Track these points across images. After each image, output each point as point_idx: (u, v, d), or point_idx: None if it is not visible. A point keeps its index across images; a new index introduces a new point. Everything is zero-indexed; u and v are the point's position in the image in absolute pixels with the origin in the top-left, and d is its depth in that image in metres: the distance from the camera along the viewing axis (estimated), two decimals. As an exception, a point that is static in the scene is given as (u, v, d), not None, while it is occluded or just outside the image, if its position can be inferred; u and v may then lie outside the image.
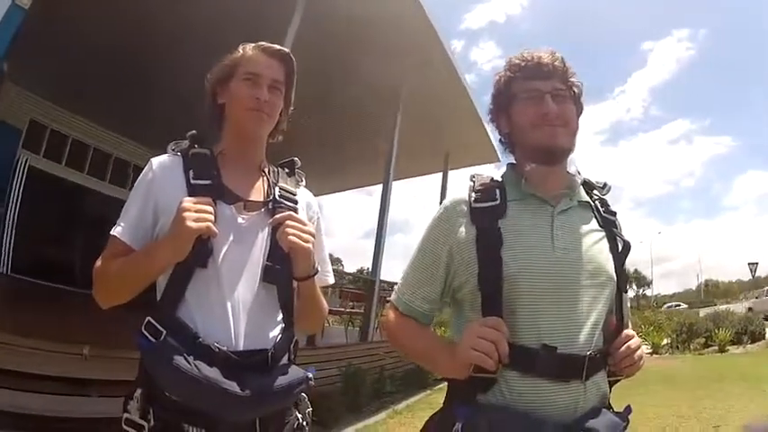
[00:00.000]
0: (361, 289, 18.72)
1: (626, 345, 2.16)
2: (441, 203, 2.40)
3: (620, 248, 2.32)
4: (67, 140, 16.96)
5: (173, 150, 2.49)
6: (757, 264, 50.16)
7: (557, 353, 2.00)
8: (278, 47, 2.63)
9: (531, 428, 1.94)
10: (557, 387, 2.02)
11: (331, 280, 2.82)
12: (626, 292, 2.34)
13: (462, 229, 2.24)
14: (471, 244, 2.18)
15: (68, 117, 16.63)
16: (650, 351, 24.82)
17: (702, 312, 32.75)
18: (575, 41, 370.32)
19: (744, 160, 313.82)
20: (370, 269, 18.26)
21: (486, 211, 2.22)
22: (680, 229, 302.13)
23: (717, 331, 23.36)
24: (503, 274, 2.08)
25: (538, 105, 2.24)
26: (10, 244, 14.85)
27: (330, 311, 16.16)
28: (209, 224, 2.17)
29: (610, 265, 2.24)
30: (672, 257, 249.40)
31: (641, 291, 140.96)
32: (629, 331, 2.22)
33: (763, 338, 23.45)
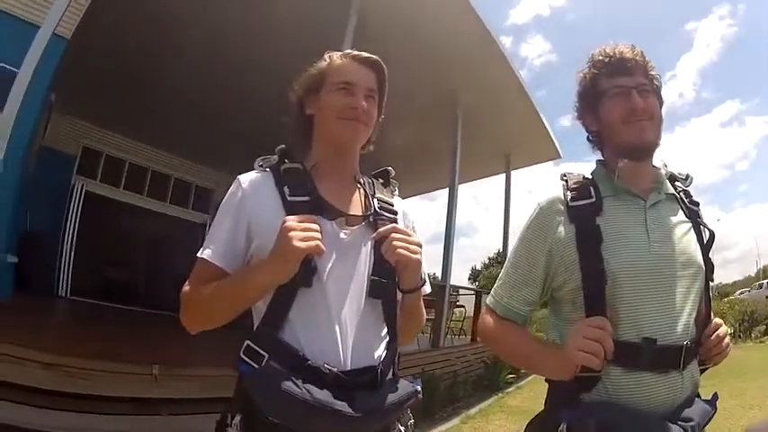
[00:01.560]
0: (432, 295, 18.72)
1: (716, 333, 2.22)
2: (537, 204, 2.42)
3: (705, 238, 2.37)
4: (123, 164, 17.56)
5: (260, 166, 2.43)
6: (820, 244, 49.09)
7: (657, 345, 2.06)
8: (368, 54, 2.55)
9: (637, 422, 1.99)
10: (657, 378, 2.07)
11: (428, 289, 2.59)
12: (712, 281, 2.36)
13: (561, 228, 2.27)
14: (571, 243, 2.22)
15: (121, 140, 17.07)
16: None
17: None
18: (620, 28, 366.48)
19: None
20: (436, 275, 18.14)
21: (584, 209, 2.26)
22: (738, 215, 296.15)
23: (778, 318, 22.47)
24: (605, 271, 2.13)
25: (626, 101, 2.28)
26: (69, 267, 15.38)
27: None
28: (318, 242, 2.09)
29: (699, 256, 2.29)
30: (730, 245, 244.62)
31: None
32: (717, 320, 2.28)
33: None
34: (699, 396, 2.25)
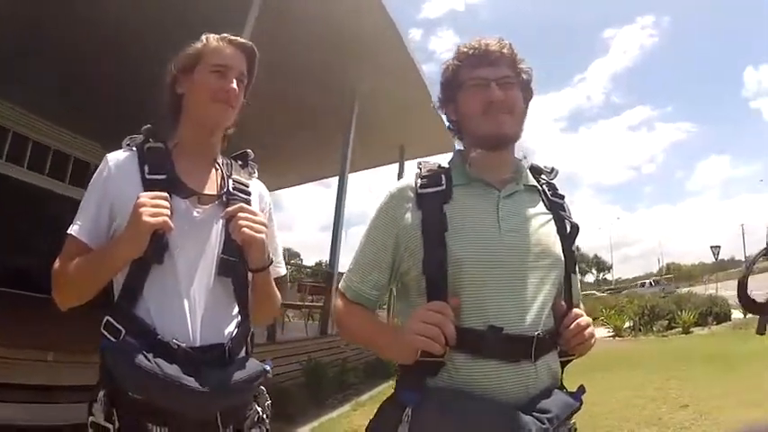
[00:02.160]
0: (320, 282, 18.66)
1: (575, 322, 2.17)
2: (388, 191, 2.40)
3: (568, 231, 2.37)
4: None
5: (127, 145, 2.47)
6: (720, 247, 50.74)
7: (503, 333, 2.01)
8: (243, 39, 2.62)
9: (481, 409, 1.94)
10: (506, 368, 2.03)
11: (283, 271, 2.81)
12: (575, 273, 2.37)
13: (408, 215, 2.24)
14: (417, 229, 2.19)
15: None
16: (612, 334, 25.49)
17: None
18: (536, 29, 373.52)
19: (707, 146, 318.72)
20: (324, 262, 18.24)
21: (432, 197, 2.23)
22: (642, 215, 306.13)
23: (680, 313, 23.84)
24: (447, 258, 2.10)
25: (483, 93, 2.26)
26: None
27: (289, 306, 16.13)
28: (166, 219, 2.15)
29: (557, 248, 2.27)
30: (633, 242, 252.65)
31: (601, 275, 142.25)
32: (577, 310, 2.24)
33: (729, 320, 23.93)
34: (563, 388, 2.23)
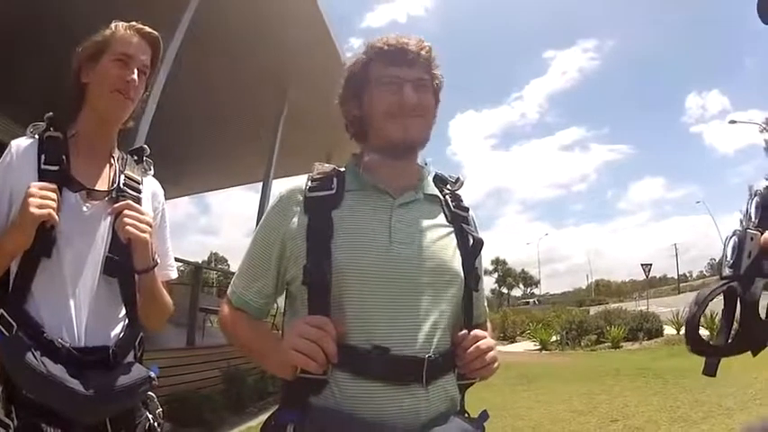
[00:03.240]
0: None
1: (475, 345, 2.01)
2: (278, 194, 2.28)
3: (471, 245, 2.22)
4: None
5: (30, 132, 2.42)
6: (651, 265, 52.39)
7: (390, 354, 1.89)
8: (149, 29, 2.55)
9: None
10: (394, 391, 1.89)
11: (174, 275, 2.75)
12: (477, 290, 2.23)
13: (295, 219, 2.12)
14: (302, 235, 2.07)
15: None
16: (539, 347, 25.99)
17: (593, 310, 34.09)
18: (476, 45, 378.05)
19: (641, 168, 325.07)
20: None
21: (320, 201, 2.12)
22: (570, 232, 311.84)
23: (609, 328, 24.22)
24: (331, 266, 1.97)
25: (396, 94, 2.12)
26: None
27: (211, 311, 15.96)
28: (51, 211, 2.11)
29: (456, 263, 2.13)
30: (561, 258, 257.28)
31: (529, 290, 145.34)
32: (478, 331, 2.07)
33: (661, 335, 24.27)
34: (464, 413, 2.12)
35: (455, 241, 2.17)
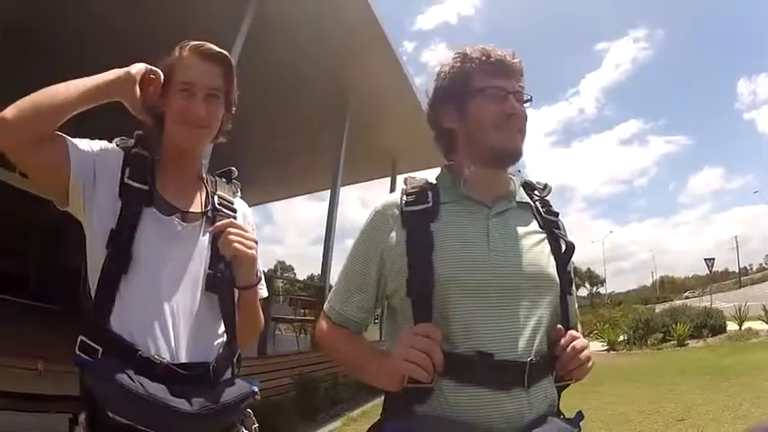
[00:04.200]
0: (312, 296, 18.63)
1: (571, 345, 2.06)
2: (374, 208, 2.30)
3: (562, 250, 2.25)
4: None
5: (117, 145, 2.39)
6: (714, 260, 50.98)
7: (494, 360, 1.92)
8: (214, 48, 2.46)
9: None
10: (498, 395, 1.92)
11: (265, 293, 2.66)
12: (570, 294, 2.25)
13: (393, 233, 2.15)
14: (402, 249, 2.09)
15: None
16: (606, 348, 25.52)
17: (658, 308, 33.11)
18: (528, 43, 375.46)
19: (700, 158, 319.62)
20: (315, 275, 18.20)
21: (418, 215, 2.13)
22: (634, 228, 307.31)
23: (675, 326, 23.75)
24: (433, 278, 1.99)
25: (502, 104, 2.15)
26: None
27: (281, 320, 16.17)
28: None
29: (551, 268, 2.17)
30: (626, 256, 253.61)
31: (594, 289, 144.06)
32: (573, 332, 2.12)
33: (724, 332, 23.78)
34: (560, 414, 2.12)
35: (548, 247, 2.21)
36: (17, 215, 15.71)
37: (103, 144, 2.33)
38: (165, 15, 10.66)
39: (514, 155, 2.19)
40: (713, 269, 53.59)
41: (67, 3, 10.77)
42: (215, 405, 2.10)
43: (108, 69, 2.18)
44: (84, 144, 2.25)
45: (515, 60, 2.22)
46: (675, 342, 23.14)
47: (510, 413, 1.92)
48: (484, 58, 2.19)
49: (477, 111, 2.18)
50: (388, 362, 1.97)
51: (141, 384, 1.94)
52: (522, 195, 2.32)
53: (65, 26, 11.26)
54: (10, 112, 2.03)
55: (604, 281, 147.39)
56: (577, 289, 2.26)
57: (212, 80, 2.43)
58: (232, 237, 2.28)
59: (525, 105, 2.23)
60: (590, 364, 2.10)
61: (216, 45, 2.47)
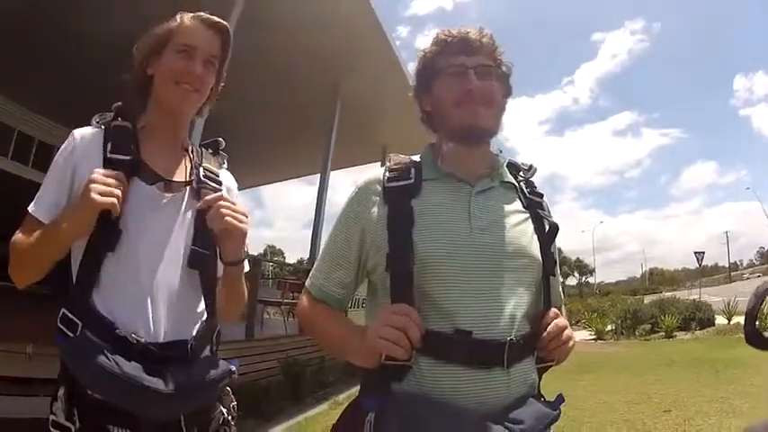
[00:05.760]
0: (301, 279, 18.64)
1: (553, 323, 2.06)
2: (356, 185, 2.33)
3: (546, 230, 2.26)
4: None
5: (96, 123, 2.36)
6: (703, 253, 51.15)
7: (472, 338, 1.93)
8: (216, 18, 2.49)
9: (447, 418, 1.85)
10: (476, 374, 1.93)
11: (247, 267, 2.62)
12: (554, 275, 2.27)
13: (375, 209, 2.17)
14: (383, 224, 2.12)
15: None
16: (594, 337, 25.61)
17: (647, 299, 33.58)
18: (525, 31, 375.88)
19: (693, 152, 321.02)
20: (304, 259, 18.23)
21: (399, 190, 2.16)
22: (625, 220, 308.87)
23: (663, 318, 23.95)
24: (413, 255, 2.01)
25: (461, 81, 2.18)
26: None
27: (269, 303, 16.13)
28: (115, 201, 2.06)
29: (534, 247, 2.18)
30: (616, 246, 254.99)
31: (583, 278, 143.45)
32: (554, 311, 2.14)
33: (713, 325, 24.04)
34: (540, 397, 2.14)
35: (532, 226, 2.22)
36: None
37: (77, 139, 2.31)
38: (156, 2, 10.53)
39: (478, 130, 2.20)
40: (703, 263, 53.84)
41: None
42: (191, 384, 2.12)
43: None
44: (64, 180, 2.25)
45: (481, 36, 2.23)
46: (663, 333, 23.26)
47: (488, 393, 1.92)
48: (447, 38, 2.24)
49: (439, 90, 2.24)
50: (365, 339, 1.96)
51: (117, 364, 1.95)
52: (506, 175, 2.33)
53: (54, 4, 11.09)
54: (11, 274, 2.20)
55: (593, 271, 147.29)
56: (566, 278, 2.28)
57: (211, 47, 2.46)
58: (223, 210, 2.26)
59: (493, 80, 2.22)
60: (571, 344, 2.10)
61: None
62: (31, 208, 2.22)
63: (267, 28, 12.12)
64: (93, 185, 2.02)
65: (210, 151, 2.67)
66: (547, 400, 2.09)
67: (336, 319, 2.30)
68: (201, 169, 2.48)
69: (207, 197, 2.34)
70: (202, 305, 2.38)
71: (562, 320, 2.10)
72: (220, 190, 2.48)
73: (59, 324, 2.12)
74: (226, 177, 2.64)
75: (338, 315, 2.32)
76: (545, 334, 2.03)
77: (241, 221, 2.30)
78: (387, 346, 1.85)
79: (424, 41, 2.36)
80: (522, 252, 2.12)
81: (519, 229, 2.18)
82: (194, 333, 2.30)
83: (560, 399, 2.06)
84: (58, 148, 2.30)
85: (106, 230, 2.12)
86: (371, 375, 2.01)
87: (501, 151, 2.37)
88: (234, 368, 2.33)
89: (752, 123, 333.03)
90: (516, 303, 2.04)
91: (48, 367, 6.31)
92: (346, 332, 2.21)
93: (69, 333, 2.09)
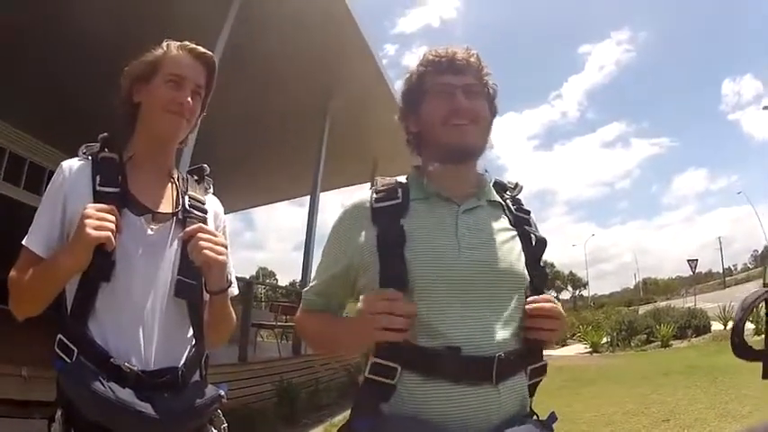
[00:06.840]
0: (294, 302, 18.63)
1: (545, 299, 2.10)
2: (343, 208, 2.34)
3: (534, 246, 2.28)
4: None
5: (83, 153, 2.40)
6: (697, 260, 51.57)
7: (461, 354, 1.92)
8: (203, 49, 2.54)
9: None
10: (465, 391, 1.92)
11: (236, 291, 2.68)
12: (543, 291, 2.22)
13: (363, 231, 2.17)
14: (372, 244, 2.11)
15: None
16: (590, 350, 25.48)
17: (642, 310, 33.45)
18: (511, 46, 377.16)
19: (684, 160, 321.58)
20: (296, 281, 18.26)
21: (388, 210, 2.16)
22: (616, 231, 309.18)
23: (658, 327, 23.82)
24: (405, 273, 2.00)
25: (449, 100, 2.19)
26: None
27: (262, 326, 16.09)
28: (110, 234, 2.09)
29: (522, 265, 2.18)
30: (609, 258, 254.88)
31: (577, 292, 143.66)
32: (544, 296, 2.15)
33: (709, 332, 23.82)
34: (533, 414, 2.13)
35: (520, 244, 2.22)
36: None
37: (66, 172, 2.33)
38: (147, 13, 10.57)
39: (465, 149, 2.22)
40: (696, 270, 53.91)
41: (49, 5, 10.72)
42: (181, 409, 2.16)
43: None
44: (55, 212, 2.28)
45: (468, 55, 2.24)
46: (659, 343, 23.14)
47: (477, 411, 1.91)
48: (434, 57, 2.26)
49: (426, 110, 2.25)
50: (359, 321, 2.02)
51: (112, 390, 1.99)
52: (493, 194, 2.35)
53: (45, 27, 11.20)
54: (12, 308, 2.24)
55: (587, 284, 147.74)
56: (560, 292, 2.25)
57: (198, 77, 2.50)
58: (202, 243, 2.28)
59: (480, 99, 2.25)
60: (560, 322, 2.12)
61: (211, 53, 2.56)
62: (27, 241, 2.25)
63: (255, 51, 12.19)
64: (87, 221, 2.06)
65: (196, 178, 2.69)
66: (539, 418, 2.08)
67: (323, 318, 2.34)
68: (187, 198, 2.50)
69: (188, 228, 2.36)
70: (191, 332, 2.40)
71: (548, 297, 2.13)
72: (206, 218, 2.51)
73: (56, 349, 2.15)
74: (212, 202, 2.66)
75: (324, 314, 2.35)
76: (533, 307, 2.06)
77: (220, 253, 2.32)
78: (382, 335, 1.87)
79: (412, 59, 2.36)
80: (511, 270, 2.12)
81: (507, 246, 2.18)
82: (184, 360, 2.32)
83: (553, 417, 2.06)
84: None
85: (101, 262, 2.14)
86: (362, 397, 2.00)
87: (487, 171, 2.40)
88: (223, 393, 2.36)
89: (741, 127, 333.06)
90: (505, 320, 2.04)
91: (44, 390, 6.38)
92: (335, 327, 2.29)
93: (66, 358, 2.12)
